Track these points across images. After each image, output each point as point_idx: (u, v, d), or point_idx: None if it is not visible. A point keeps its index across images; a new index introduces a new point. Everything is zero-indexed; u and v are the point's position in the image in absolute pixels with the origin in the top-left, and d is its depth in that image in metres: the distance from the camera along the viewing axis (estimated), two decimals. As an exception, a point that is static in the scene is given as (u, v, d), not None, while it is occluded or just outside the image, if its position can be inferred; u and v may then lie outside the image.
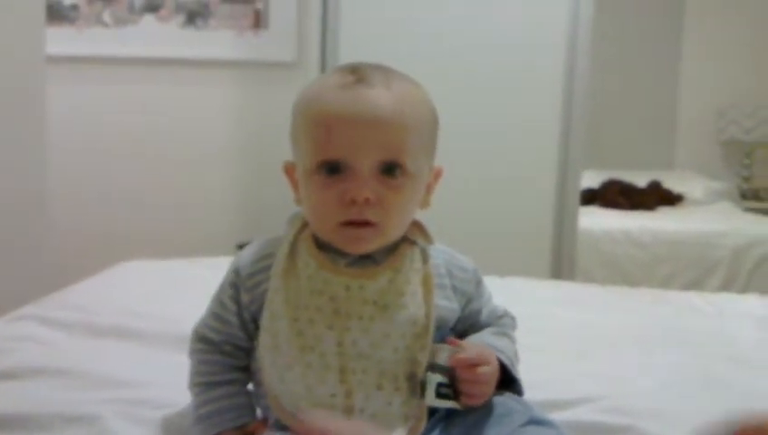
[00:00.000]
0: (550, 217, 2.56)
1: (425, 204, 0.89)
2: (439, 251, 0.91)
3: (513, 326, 0.99)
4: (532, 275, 2.28)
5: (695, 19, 4.43)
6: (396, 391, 0.82)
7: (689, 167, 4.39)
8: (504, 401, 0.87)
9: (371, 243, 0.83)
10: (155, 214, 3.04)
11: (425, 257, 0.87)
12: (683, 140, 4.55)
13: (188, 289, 1.59)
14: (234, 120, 3.00)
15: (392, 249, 0.86)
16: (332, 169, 0.79)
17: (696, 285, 3.00)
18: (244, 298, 0.86)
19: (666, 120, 4.54)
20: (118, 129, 2.99)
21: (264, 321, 0.83)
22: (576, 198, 2.57)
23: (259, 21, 2.91)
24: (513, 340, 0.97)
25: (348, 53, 2.58)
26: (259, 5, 2.90)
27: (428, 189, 0.89)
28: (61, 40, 2.77)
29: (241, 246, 3.16)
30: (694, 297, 1.71)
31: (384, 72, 0.84)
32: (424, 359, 0.83)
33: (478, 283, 0.94)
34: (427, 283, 0.86)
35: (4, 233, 1.98)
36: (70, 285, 1.62)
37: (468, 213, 2.42)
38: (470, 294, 0.93)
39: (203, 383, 0.89)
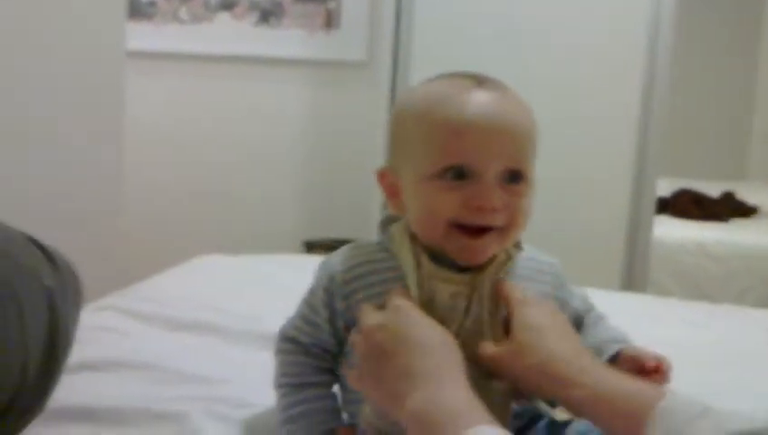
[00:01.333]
0: (623, 226, 2.50)
1: None
2: (522, 257, 0.87)
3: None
4: (603, 285, 2.23)
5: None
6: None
7: (763, 177, 4.24)
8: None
9: (489, 253, 0.81)
10: (226, 209, 3.08)
11: (509, 265, 0.84)
12: (758, 150, 4.40)
13: (262, 285, 1.60)
14: (304, 119, 3.01)
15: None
16: (458, 174, 0.77)
17: (771, 301, 2.89)
18: (339, 305, 0.83)
19: (739, 129, 4.40)
20: (192, 124, 3.04)
21: None
22: (651, 207, 2.51)
23: (331, 20, 2.92)
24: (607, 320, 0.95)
25: (421, 53, 2.57)
26: (331, 5, 2.91)
27: None
28: (138, 35, 2.83)
29: (308, 244, 3.19)
30: (780, 315, 1.64)
31: (492, 78, 0.83)
32: None
33: (563, 282, 0.91)
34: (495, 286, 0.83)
35: (81, 226, 2.02)
36: (146, 278, 1.65)
37: (540, 221, 2.37)
38: (563, 299, 0.89)
39: (291, 384, 0.88)
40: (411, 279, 0.80)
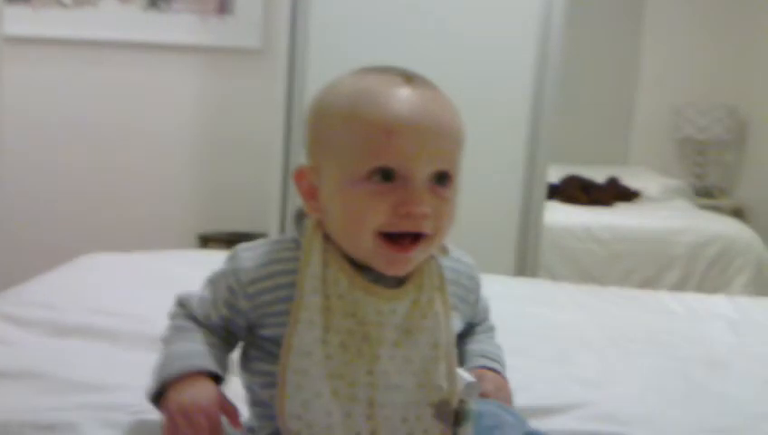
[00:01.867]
0: (516, 212, 2.57)
1: None
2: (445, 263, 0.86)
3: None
4: (497, 270, 2.28)
5: (653, 19, 4.50)
6: (418, 421, 0.77)
7: (645, 163, 4.46)
8: (496, 411, 0.84)
9: (414, 263, 0.77)
10: (113, 202, 2.95)
11: (441, 272, 0.83)
12: (639, 137, 4.62)
13: (155, 284, 1.54)
14: (197, 108, 2.93)
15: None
16: (385, 176, 0.73)
17: (653, 281, 3.04)
18: (243, 304, 0.79)
19: (623, 117, 4.60)
20: (75, 113, 2.90)
21: (294, 338, 0.75)
22: (542, 193, 2.58)
23: (224, 5, 2.84)
24: (496, 338, 0.97)
25: (318, 41, 2.54)
26: (224, -10, 2.83)
27: None
28: (16, 20, 2.66)
29: (203, 238, 3.11)
30: (665, 297, 1.73)
31: (421, 76, 0.80)
32: (449, 385, 0.78)
33: (479, 286, 0.91)
34: (445, 302, 0.82)
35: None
36: (27, 279, 1.55)
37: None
38: (473, 302, 0.90)
39: (178, 330, 0.84)
40: (309, 284, 0.76)
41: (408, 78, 0.77)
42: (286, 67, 2.65)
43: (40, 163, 2.89)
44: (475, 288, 0.89)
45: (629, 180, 3.98)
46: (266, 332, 0.79)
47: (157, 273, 1.61)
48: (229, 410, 0.77)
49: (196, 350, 0.80)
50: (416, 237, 0.75)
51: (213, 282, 0.83)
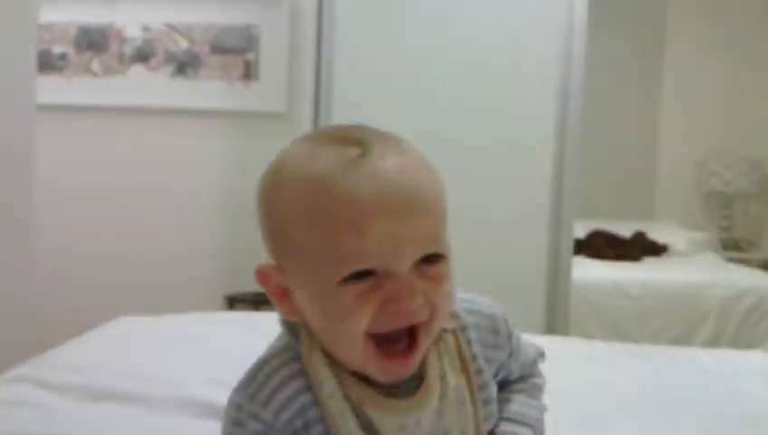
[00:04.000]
0: (543, 268, 2.55)
1: None
2: (462, 311, 0.76)
3: (541, 373, 0.88)
4: (527, 328, 2.26)
5: (673, 73, 4.53)
6: None
7: (670, 217, 4.43)
8: None
9: (418, 362, 0.68)
10: (143, 265, 2.98)
11: (460, 347, 0.74)
12: (664, 190, 4.60)
13: (184, 347, 1.54)
14: (223, 171, 2.97)
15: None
16: (364, 273, 0.63)
17: (686, 337, 2.99)
18: (268, 417, 0.69)
19: (647, 171, 4.59)
20: (106, 178, 2.95)
21: None
22: (569, 248, 2.57)
23: (250, 72, 2.91)
24: (540, 397, 0.86)
25: (341, 104, 2.58)
26: (250, 57, 2.90)
27: None
28: (49, 89, 2.74)
29: (230, 299, 3.11)
30: (701, 354, 1.69)
31: (381, 136, 0.68)
32: None
33: (509, 337, 0.80)
34: (470, 382, 0.73)
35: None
36: (60, 342, 1.56)
37: (462, 266, 2.39)
38: (502, 360, 0.81)
39: None
40: (338, 406, 0.68)
41: (367, 147, 0.65)
42: (311, 129, 2.69)
43: (71, 228, 2.94)
44: (502, 343, 0.78)
45: (656, 234, 3.95)
46: None
47: (186, 335, 1.62)
48: None
49: None
50: (411, 340, 0.66)
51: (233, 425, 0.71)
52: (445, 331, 0.73)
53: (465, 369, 0.73)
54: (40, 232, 2.28)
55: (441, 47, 2.59)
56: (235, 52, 2.90)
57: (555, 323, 2.55)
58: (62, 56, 2.93)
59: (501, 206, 2.58)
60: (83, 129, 2.96)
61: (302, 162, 0.66)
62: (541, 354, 0.88)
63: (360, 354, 0.65)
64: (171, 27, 2.91)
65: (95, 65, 2.94)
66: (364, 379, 0.68)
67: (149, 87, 2.91)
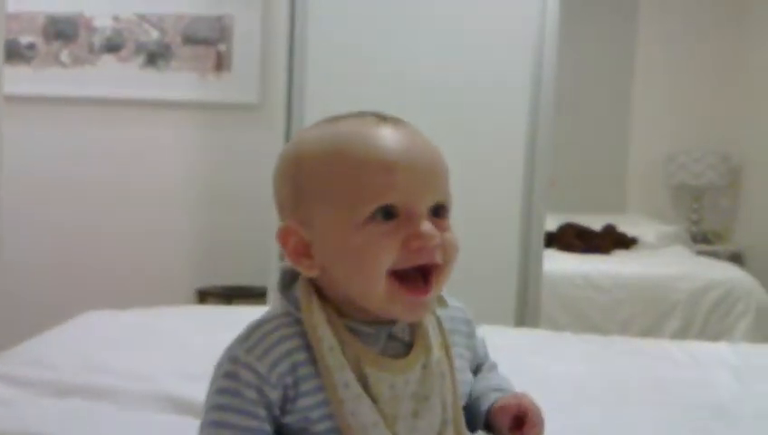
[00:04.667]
0: (515, 261, 2.57)
1: None
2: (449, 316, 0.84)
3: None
4: (497, 319, 2.27)
5: (643, 67, 4.58)
6: None
7: (640, 210, 4.48)
8: None
9: (431, 305, 0.75)
10: (113, 258, 2.95)
11: (443, 328, 0.80)
12: (634, 184, 4.65)
13: (156, 341, 1.53)
14: (195, 163, 2.95)
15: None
16: (388, 214, 0.71)
17: (654, 328, 3.03)
18: (273, 396, 0.70)
19: (617, 165, 4.64)
20: (75, 170, 2.91)
21: (349, 418, 0.70)
22: (540, 241, 2.59)
23: (222, 63, 2.88)
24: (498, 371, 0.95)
25: (314, 95, 2.57)
26: (221, 48, 2.88)
27: None
28: (17, 79, 2.70)
29: (201, 293, 3.09)
30: (668, 345, 1.73)
31: (390, 115, 0.78)
32: None
33: (474, 328, 0.89)
34: (450, 359, 0.79)
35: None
36: (27, 336, 1.54)
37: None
38: (476, 347, 0.89)
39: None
40: (337, 362, 0.71)
41: (382, 118, 0.76)
42: (284, 121, 2.68)
43: (39, 220, 2.90)
44: (472, 332, 0.87)
45: (626, 227, 3.99)
46: (288, 418, 0.72)
47: (156, 330, 1.61)
48: None
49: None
50: (426, 279, 0.72)
51: (225, 394, 0.71)
52: (431, 312, 0.79)
53: (445, 346, 0.79)
54: (7, 224, 2.25)
55: (414, 40, 2.59)
56: (207, 42, 2.88)
57: (525, 315, 2.57)
58: (31, 46, 2.88)
59: (472, 199, 2.59)
60: (52, 120, 2.92)
61: (326, 127, 0.76)
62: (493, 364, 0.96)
63: (383, 293, 0.71)
64: (142, 17, 2.87)
65: (64, 55, 2.89)
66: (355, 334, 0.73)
67: (120, 78, 2.88)
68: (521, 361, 1.49)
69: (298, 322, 0.73)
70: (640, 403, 1.31)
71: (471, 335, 0.87)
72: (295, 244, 0.74)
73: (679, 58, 4.49)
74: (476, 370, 0.92)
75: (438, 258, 0.72)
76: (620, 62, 4.60)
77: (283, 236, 0.75)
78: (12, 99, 2.44)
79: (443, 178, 0.75)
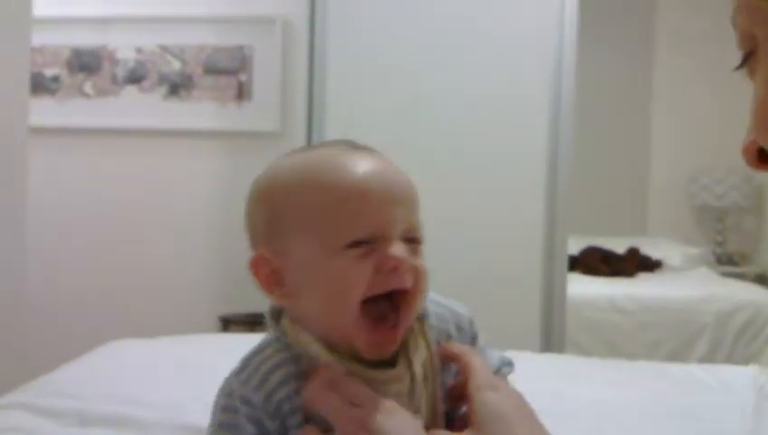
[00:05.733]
0: (538, 285, 2.55)
1: None
2: (430, 311, 0.79)
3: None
4: (522, 344, 2.25)
5: (663, 88, 4.56)
6: None
7: (663, 232, 4.44)
8: None
9: (398, 341, 0.72)
10: (136, 286, 2.97)
11: (428, 344, 0.76)
12: (656, 206, 4.62)
13: (179, 370, 1.53)
14: (217, 191, 2.97)
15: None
16: (361, 243, 0.70)
17: (682, 351, 2.99)
18: (271, 426, 0.71)
19: (639, 186, 4.61)
20: (99, 200, 2.95)
21: None
22: (564, 265, 2.57)
23: (243, 92, 2.91)
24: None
25: (334, 122, 2.59)
26: (242, 77, 2.91)
27: None
28: (42, 111, 2.74)
29: (224, 320, 3.10)
30: (695, 369, 1.69)
31: (361, 144, 0.77)
32: None
33: (473, 339, 0.82)
34: (432, 367, 0.76)
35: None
36: (53, 364, 1.55)
37: (456, 283, 2.40)
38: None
39: None
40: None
41: (357, 147, 0.76)
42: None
43: (64, 250, 2.93)
44: (463, 341, 0.81)
45: (649, 250, 3.95)
46: None
47: (180, 358, 1.61)
48: None
49: None
50: (396, 318, 0.71)
51: (230, 427, 0.71)
52: (413, 328, 0.76)
53: (428, 355, 0.76)
54: (33, 254, 2.27)
55: (433, 64, 2.61)
56: (228, 72, 2.91)
57: (551, 340, 2.55)
58: (55, 78, 2.93)
59: (494, 223, 2.58)
60: (76, 150, 2.96)
61: (299, 156, 0.75)
62: (506, 364, 0.87)
63: (352, 325, 0.70)
64: (164, 48, 2.92)
65: (88, 87, 2.94)
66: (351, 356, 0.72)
67: (142, 108, 2.91)
68: (547, 387, 1.47)
69: (288, 347, 0.73)
70: (668, 429, 1.28)
71: (462, 342, 0.81)
72: (267, 273, 0.73)
73: (701, 77, 4.46)
74: None
75: (409, 282, 0.71)
76: (641, 82, 4.59)
77: (255, 265, 0.74)
78: (37, 130, 2.48)
79: (414, 207, 0.74)
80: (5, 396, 1.32)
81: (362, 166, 0.72)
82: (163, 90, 2.92)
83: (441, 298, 0.82)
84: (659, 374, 1.66)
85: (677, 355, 2.95)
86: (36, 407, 1.27)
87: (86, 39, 2.93)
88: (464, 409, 0.77)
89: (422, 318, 0.77)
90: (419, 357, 0.75)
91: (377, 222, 0.70)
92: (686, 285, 3.42)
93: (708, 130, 4.47)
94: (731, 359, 2.93)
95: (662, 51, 4.57)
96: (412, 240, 0.73)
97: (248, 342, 0.82)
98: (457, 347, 0.77)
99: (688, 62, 4.49)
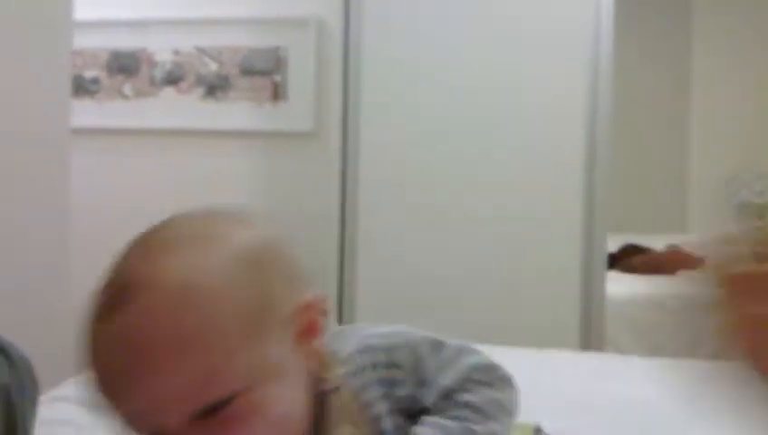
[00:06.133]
0: (577, 284, 2.53)
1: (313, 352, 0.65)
2: (357, 354, 0.71)
3: (480, 389, 0.76)
4: (561, 343, 2.23)
5: (702, 85, 4.49)
6: None
7: (702, 230, 4.37)
8: None
9: None
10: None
11: (347, 397, 0.69)
12: (695, 203, 4.55)
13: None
14: (254, 191, 2.99)
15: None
16: None
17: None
18: None
19: (678, 183, 4.55)
20: (139, 200, 2.99)
21: None
22: (603, 263, 2.55)
23: (278, 93, 2.93)
24: (471, 415, 0.74)
25: (369, 122, 2.60)
26: (278, 78, 2.93)
27: (309, 330, 0.66)
28: (82, 112, 2.79)
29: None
30: (737, 366, 1.66)
31: (155, 268, 0.60)
32: None
33: (415, 369, 0.73)
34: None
35: (26, 310, 1.94)
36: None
37: (494, 282, 2.39)
38: (408, 394, 0.73)
39: None
40: None
41: (120, 295, 0.59)
42: (340, 148, 2.71)
43: (106, 250, 2.96)
44: (402, 378, 0.72)
45: (690, 248, 3.89)
46: None
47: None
48: None
49: None
50: None
51: None
52: (332, 389, 0.68)
53: (356, 423, 0.69)
54: (76, 254, 2.31)
55: (468, 62, 2.60)
56: (264, 73, 2.93)
57: (590, 338, 2.52)
58: (95, 80, 2.98)
59: (533, 222, 2.56)
60: (116, 151, 3.01)
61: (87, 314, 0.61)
62: (478, 369, 0.77)
63: None
64: (201, 50, 2.95)
65: (127, 89, 2.98)
66: None
67: (180, 109, 2.95)
68: (589, 386, 1.46)
69: None
70: (714, 427, 1.26)
71: (396, 384, 0.73)
72: None
73: (739, 74, 4.39)
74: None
75: None
76: (679, 79, 4.52)
77: None
78: (78, 131, 2.53)
79: (192, 374, 0.56)
80: (55, 389, 1.35)
81: (103, 353, 0.58)
82: (200, 91, 2.95)
83: (378, 333, 0.74)
84: (701, 372, 1.63)
85: (719, 353, 2.90)
86: (84, 400, 1.28)
87: (124, 41, 2.97)
88: None
89: (343, 385, 0.69)
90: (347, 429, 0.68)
91: (140, 418, 0.58)
92: (727, 283, 3.35)
93: (748, 127, 4.39)
94: (775, 358, 2.86)
95: (701, 48, 4.50)
96: (216, 408, 0.57)
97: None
98: None
99: (727, 58, 4.41)
